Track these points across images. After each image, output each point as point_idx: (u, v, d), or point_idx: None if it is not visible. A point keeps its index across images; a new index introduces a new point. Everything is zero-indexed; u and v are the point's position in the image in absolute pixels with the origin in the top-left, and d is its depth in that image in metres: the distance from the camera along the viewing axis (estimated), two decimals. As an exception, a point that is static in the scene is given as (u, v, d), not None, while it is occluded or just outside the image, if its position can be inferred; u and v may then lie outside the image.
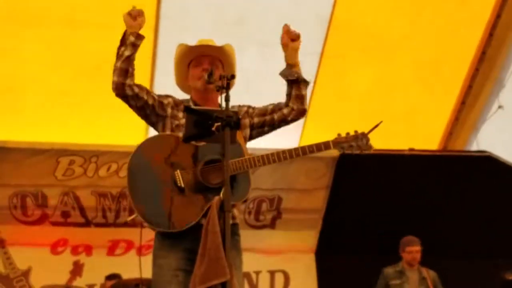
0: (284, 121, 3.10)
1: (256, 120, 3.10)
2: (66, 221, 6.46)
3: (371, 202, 6.47)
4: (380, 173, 6.39)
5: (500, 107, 6.55)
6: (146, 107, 2.98)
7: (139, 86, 2.98)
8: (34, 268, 6.43)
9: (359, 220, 6.51)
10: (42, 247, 6.49)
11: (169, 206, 2.78)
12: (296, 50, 3.06)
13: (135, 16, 2.96)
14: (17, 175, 6.11)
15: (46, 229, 6.43)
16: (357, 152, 2.94)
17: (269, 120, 3.10)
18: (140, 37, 2.99)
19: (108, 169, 6.12)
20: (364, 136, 2.94)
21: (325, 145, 2.91)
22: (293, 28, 3.05)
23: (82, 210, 6.41)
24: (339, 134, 2.95)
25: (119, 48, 3.01)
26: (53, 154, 6.04)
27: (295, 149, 2.88)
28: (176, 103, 3.06)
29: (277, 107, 3.10)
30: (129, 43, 2.98)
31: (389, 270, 5.94)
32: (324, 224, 6.79)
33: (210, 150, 2.82)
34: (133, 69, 2.99)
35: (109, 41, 5.84)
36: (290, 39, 3.03)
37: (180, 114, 3.01)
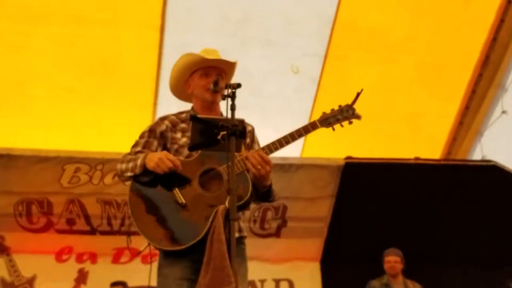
0: None
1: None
2: (71, 229, 6.46)
3: (376, 210, 6.45)
4: (385, 181, 6.37)
5: (504, 112, 6.54)
6: None
7: None
8: (39, 276, 6.43)
9: (364, 229, 6.48)
10: (47, 255, 6.49)
11: (174, 224, 2.77)
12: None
13: (165, 166, 2.76)
14: (22, 182, 6.11)
15: (51, 237, 6.42)
16: (345, 122, 2.93)
17: None
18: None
19: (114, 176, 6.08)
20: (349, 107, 2.94)
21: (312, 126, 2.90)
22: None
23: (87, 217, 6.40)
24: (323, 112, 2.95)
25: (130, 158, 2.91)
26: (58, 162, 6.03)
27: (284, 137, 2.86)
28: (173, 124, 3.06)
29: None
30: (141, 164, 2.83)
31: (375, 283, 5.98)
32: (329, 233, 6.77)
33: (204, 161, 2.83)
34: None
35: (116, 40, 5.94)
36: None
37: (179, 135, 3.01)
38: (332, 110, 2.95)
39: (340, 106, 2.96)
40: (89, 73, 6.07)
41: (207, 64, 3.07)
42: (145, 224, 2.80)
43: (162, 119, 3.10)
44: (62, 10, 5.79)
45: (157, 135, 3.01)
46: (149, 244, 2.82)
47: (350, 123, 2.95)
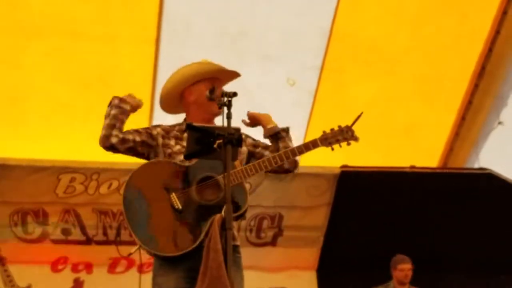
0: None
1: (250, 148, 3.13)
2: (66, 239, 6.42)
3: (373, 219, 6.45)
4: (381, 190, 6.37)
5: (499, 123, 6.55)
6: (136, 145, 2.99)
7: (124, 132, 3.00)
8: (35, 286, 6.35)
9: (361, 237, 6.48)
10: (43, 265, 6.44)
11: (170, 230, 2.78)
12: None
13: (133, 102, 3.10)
14: (18, 192, 6.08)
15: (46, 247, 6.39)
16: (343, 143, 3.00)
17: (258, 154, 3.11)
18: (123, 102, 3.07)
19: (109, 186, 6.10)
20: (349, 128, 3.01)
21: (313, 144, 2.98)
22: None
23: (83, 227, 6.37)
24: (324, 131, 3.01)
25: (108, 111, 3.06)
26: (54, 172, 6.02)
27: (285, 152, 2.93)
28: (167, 131, 3.08)
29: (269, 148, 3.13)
30: (114, 105, 3.07)
31: None
32: (326, 241, 6.75)
33: (202, 168, 2.84)
34: (121, 124, 3.01)
35: (111, 53, 5.94)
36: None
37: (172, 142, 3.03)
38: (332, 130, 3.01)
39: (340, 126, 3.02)
40: (85, 87, 6.05)
41: (217, 74, 3.11)
42: (137, 226, 2.79)
43: (155, 126, 3.13)
44: (57, 24, 5.79)
45: (145, 131, 3.05)
46: (139, 247, 2.81)
47: (349, 144, 3.02)
